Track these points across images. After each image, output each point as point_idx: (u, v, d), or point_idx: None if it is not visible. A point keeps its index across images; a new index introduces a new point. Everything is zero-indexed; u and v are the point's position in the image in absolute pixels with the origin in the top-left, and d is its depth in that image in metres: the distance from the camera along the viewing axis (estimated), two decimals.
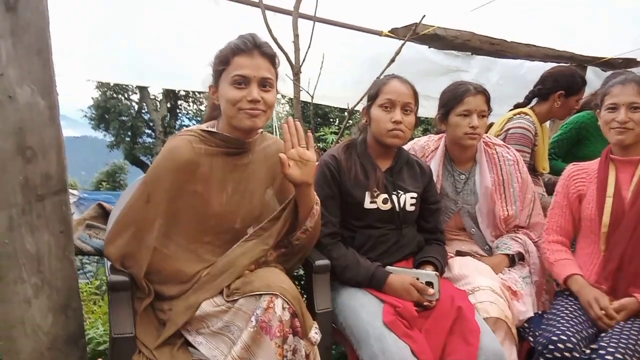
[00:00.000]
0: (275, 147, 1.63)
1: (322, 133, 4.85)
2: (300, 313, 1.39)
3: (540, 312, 1.86)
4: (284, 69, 2.52)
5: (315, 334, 1.44)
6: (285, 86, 2.82)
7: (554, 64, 3.19)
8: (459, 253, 2.00)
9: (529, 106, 2.69)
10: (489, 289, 1.70)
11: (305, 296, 1.73)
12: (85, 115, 16.76)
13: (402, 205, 1.81)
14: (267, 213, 1.61)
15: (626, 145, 1.78)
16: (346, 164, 1.80)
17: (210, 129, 1.55)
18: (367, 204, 1.77)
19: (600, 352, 1.48)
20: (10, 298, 1.42)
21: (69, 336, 1.52)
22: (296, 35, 2.35)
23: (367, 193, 1.78)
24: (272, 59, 1.51)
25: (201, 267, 1.52)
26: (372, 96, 1.83)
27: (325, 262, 1.70)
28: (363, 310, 1.59)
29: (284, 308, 1.35)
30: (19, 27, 1.40)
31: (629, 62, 4.11)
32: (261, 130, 1.63)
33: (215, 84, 1.53)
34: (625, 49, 3.98)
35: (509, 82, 3.91)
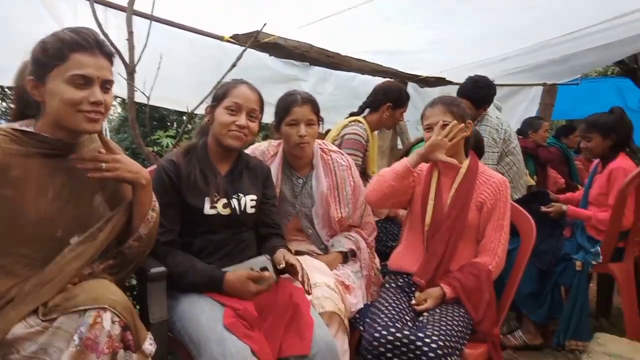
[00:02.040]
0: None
1: (158, 137, 4.62)
2: (133, 325, 1.30)
3: (369, 303, 2.03)
4: (117, 68, 2.37)
5: (150, 345, 1.37)
6: (119, 87, 2.65)
7: (382, 79, 3.55)
8: (298, 253, 2.08)
9: (362, 115, 2.95)
10: (324, 285, 1.81)
11: (138, 306, 1.64)
12: None
13: (242, 208, 1.80)
14: (94, 220, 1.48)
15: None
16: (185, 170, 1.75)
17: (25, 128, 1.38)
18: (207, 210, 1.73)
19: (421, 332, 1.66)
20: None
21: None
22: (130, 33, 2.21)
23: (206, 199, 1.74)
24: (111, 58, 1.42)
25: (13, 283, 1.33)
26: (219, 97, 1.81)
27: (161, 269, 1.62)
28: (203, 315, 1.56)
29: (113, 322, 1.24)
30: None
31: (440, 81, 4.76)
32: None
33: (39, 78, 1.34)
34: (436, 70, 4.60)
35: (343, 92, 4.20)
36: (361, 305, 1.98)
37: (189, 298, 1.66)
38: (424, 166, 2.12)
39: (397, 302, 1.90)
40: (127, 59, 2.22)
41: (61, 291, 1.32)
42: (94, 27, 2.12)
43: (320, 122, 2.12)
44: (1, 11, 2.20)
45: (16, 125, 1.38)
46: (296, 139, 2.02)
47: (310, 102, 2.06)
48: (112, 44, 2.05)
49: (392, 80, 3.47)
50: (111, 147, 1.46)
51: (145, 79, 2.28)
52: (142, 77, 2.28)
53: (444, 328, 1.69)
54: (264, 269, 1.69)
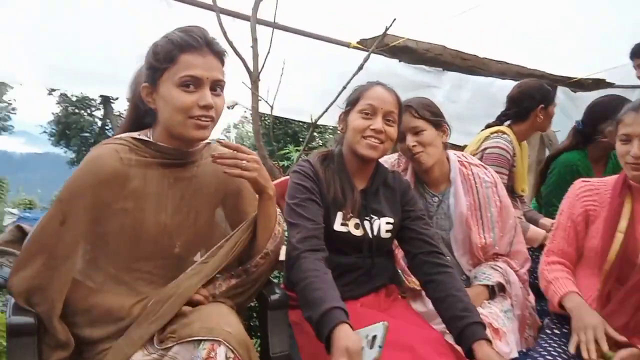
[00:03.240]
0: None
1: (287, 151, 4.66)
2: None
3: (524, 351, 1.68)
4: (242, 77, 2.37)
5: None
6: (244, 98, 2.62)
7: None
8: None
9: (506, 124, 2.56)
10: None
11: (259, 335, 1.50)
12: (45, 131, 16.24)
13: (375, 232, 1.60)
14: (217, 237, 1.38)
15: None
16: (324, 176, 1.60)
17: (143, 137, 1.31)
18: (337, 226, 1.56)
19: None
20: None
21: None
22: (254, 39, 2.16)
23: (339, 213, 1.57)
24: (222, 57, 1.29)
25: (134, 301, 1.27)
26: (352, 102, 1.64)
27: (282, 295, 1.47)
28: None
29: (227, 358, 1.14)
30: None
31: (599, 83, 4.13)
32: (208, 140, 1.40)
33: (151, 84, 1.27)
34: (595, 69, 4.00)
35: (480, 99, 3.84)
36: (515, 355, 1.62)
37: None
38: (606, 183, 1.70)
39: (563, 355, 1.51)
40: (251, 68, 2.15)
41: (179, 310, 1.24)
42: (219, 36, 2.12)
43: (446, 130, 1.85)
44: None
45: (135, 134, 1.33)
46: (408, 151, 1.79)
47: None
48: (236, 52, 2.03)
49: (524, 81, 3.03)
50: (244, 149, 1.35)
51: (269, 89, 2.21)
52: (267, 87, 2.22)
53: None
54: (374, 338, 1.24)
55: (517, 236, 1.92)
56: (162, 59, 1.23)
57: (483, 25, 2.89)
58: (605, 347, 1.39)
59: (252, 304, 1.70)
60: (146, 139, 1.31)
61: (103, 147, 1.29)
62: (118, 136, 1.33)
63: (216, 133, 1.58)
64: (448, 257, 1.84)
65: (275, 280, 1.63)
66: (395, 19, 2.41)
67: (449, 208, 1.86)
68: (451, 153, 1.91)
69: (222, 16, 2.22)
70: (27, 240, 1.25)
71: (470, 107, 3.80)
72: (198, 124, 1.24)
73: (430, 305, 1.63)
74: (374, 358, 1.19)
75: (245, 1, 2.30)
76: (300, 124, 12.93)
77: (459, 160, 1.89)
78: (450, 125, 1.88)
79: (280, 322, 1.46)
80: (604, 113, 2.40)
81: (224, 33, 2.08)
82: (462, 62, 3.40)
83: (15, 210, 4.67)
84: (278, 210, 1.44)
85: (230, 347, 1.14)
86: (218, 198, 1.42)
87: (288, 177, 1.73)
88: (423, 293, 1.71)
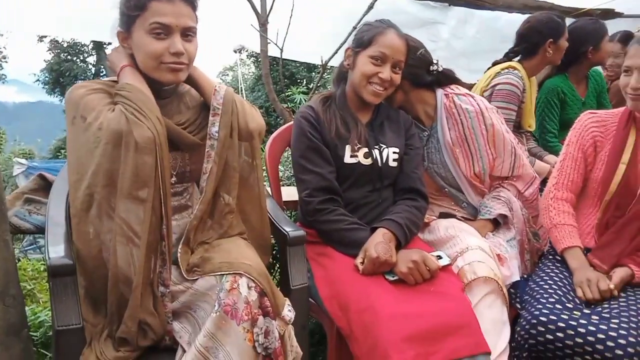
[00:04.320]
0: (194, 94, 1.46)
1: (290, 92, 4.62)
2: (270, 291, 1.26)
3: (525, 276, 1.76)
4: (250, 19, 2.32)
5: (289, 311, 1.32)
6: (251, 40, 2.59)
7: None
8: (443, 215, 1.89)
9: (516, 59, 2.53)
10: (478, 249, 1.59)
11: (278, 269, 1.58)
12: (38, 80, 15.90)
13: (384, 160, 1.68)
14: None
15: None
16: (325, 116, 1.67)
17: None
18: (347, 159, 1.64)
19: (604, 324, 1.34)
20: None
21: (9, 327, 1.33)
22: None
23: (347, 147, 1.65)
24: (193, 3, 1.32)
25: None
26: (364, 43, 1.65)
27: (301, 233, 1.56)
28: (351, 280, 1.47)
29: (249, 287, 1.22)
30: None
31: (608, 13, 4.02)
32: None
33: (126, 30, 1.31)
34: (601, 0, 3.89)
35: (486, 35, 3.78)
36: (517, 278, 1.71)
37: (335, 260, 1.56)
38: (613, 115, 1.72)
39: (563, 280, 1.60)
40: (259, 10, 2.11)
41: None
42: None
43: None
44: None
45: (114, 77, 1.35)
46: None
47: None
48: None
49: (533, 15, 2.92)
50: None
51: (278, 31, 2.18)
52: (274, 30, 2.18)
53: (634, 321, 1.36)
54: (439, 257, 1.55)
55: (518, 159, 1.92)
56: (133, 7, 1.27)
57: None
58: (610, 289, 1.49)
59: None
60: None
61: (75, 87, 1.30)
62: (94, 80, 1.38)
63: (211, 76, 1.54)
64: (445, 189, 1.90)
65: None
66: None
67: (437, 141, 1.88)
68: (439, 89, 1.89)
69: None
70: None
71: (476, 43, 3.74)
72: (170, 68, 1.29)
73: (441, 233, 1.72)
74: (449, 261, 1.55)
75: None
76: (297, 65, 12.68)
77: (444, 94, 1.88)
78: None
79: (300, 256, 1.56)
80: (583, 37, 2.57)
81: None
82: None
83: (23, 160, 4.70)
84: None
85: (251, 277, 1.23)
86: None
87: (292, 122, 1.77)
88: (432, 223, 1.79)
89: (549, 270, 1.66)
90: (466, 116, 1.84)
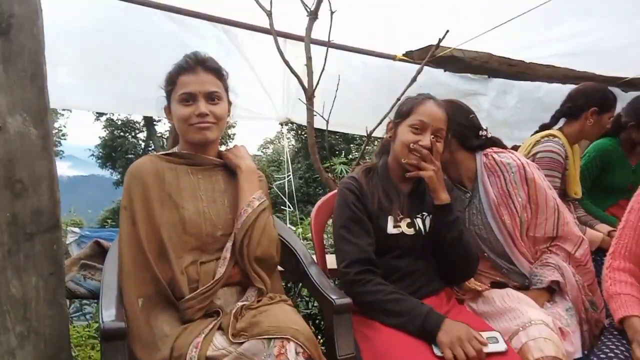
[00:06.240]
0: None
1: (332, 163, 4.71)
2: (317, 357, 1.25)
3: (586, 352, 1.64)
4: (298, 93, 2.45)
5: None
6: (296, 113, 2.70)
7: (574, 86, 3.06)
8: (495, 285, 1.81)
9: (556, 127, 2.52)
10: (542, 323, 1.49)
11: (321, 339, 1.54)
12: (93, 154, 16.92)
13: (427, 228, 1.67)
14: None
15: None
16: (367, 187, 1.68)
17: (169, 151, 1.58)
18: (390, 229, 1.63)
19: None
20: None
21: None
22: (309, 58, 2.25)
23: (389, 217, 1.64)
24: (216, 72, 1.53)
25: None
26: (403, 113, 1.69)
27: (347, 300, 1.52)
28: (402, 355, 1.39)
29: (297, 353, 1.22)
30: (12, 52, 1.29)
31: None
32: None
33: (167, 105, 1.56)
34: None
35: (527, 105, 3.81)
36: (579, 355, 1.60)
37: (380, 332, 1.50)
38: None
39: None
40: (306, 84, 2.23)
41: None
42: (276, 56, 2.22)
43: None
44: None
45: (162, 152, 1.57)
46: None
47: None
48: (292, 70, 2.11)
49: (587, 83, 2.95)
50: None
51: (324, 104, 2.28)
52: (320, 102, 2.28)
53: None
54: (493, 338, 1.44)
55: (562, 217, 1.84)
56: (167, 83, 1.52)
57: (529, 30, 2.85)
58: None
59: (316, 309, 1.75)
60: (171, 151, 1.56)
61: (138, 159, 1.51)
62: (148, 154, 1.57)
63: (252, 149, 1.65)
64: (485, 254, 1.85)
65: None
66: (448, 31, 2.43)
67: (480, 202, 1.85)
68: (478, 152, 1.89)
69: (279, 38, 2.31)
70: (119, 254, 1.38)
71: (517, 113, 3.77)
72: (198, 127, 1.48)
73: (497, 304, 1.64)
74: (505, 348, 1.40)
75: (298, 24, 2.40)
76: (337, 136, 13.03)
77: (483, 154, 1.88)
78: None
79: (346, 325, 1.51)
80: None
81: (281, 53, 2.17)
82: (508, 69, 3.36)
83: (76, 229, 4.98)
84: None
85: (299, 342, 1.22)
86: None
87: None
88: (485, 293, 1.72)
89: (612, 346, 1.54)
90: (507, 170, 1.82)
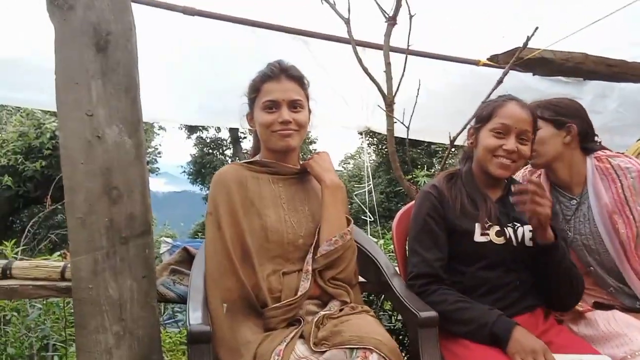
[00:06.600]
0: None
1: (414, 176, 4.62)
2: None
3: None
4: (377, 100, 2.43)
5: None
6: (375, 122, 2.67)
7: None
8: (598, 305, 1.64)
9: None
10: None
11: (405, 356, 1.48)
12: (184, 171, 18.02)
13: (519, 239, 1.54)
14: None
15: None
16: (450, 193, 1.60)
17: (251, 159, 1.62)
18: (478, 237, 1.53)
19: None
20: (92, 348, 1.33)
21: None
22: (388, 64, 2.22)
23: (476, 224, 1.54)
24: (299, 80, 1.56)
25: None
26: (484, 118, 1.61)
27: (433, 314, 1.45)
28: None
29: None
30: (109, 67, 1.39)
31: None
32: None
33: (250, 112, 1.61)
34: None
35: (630, 108, 3.51)
36: None
37: (473, 352, 1.41)
38: None
39: None
40: (385, 91, 2.21)
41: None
42: (353, 65, 2.22)
43: (572, 130, 1.71)
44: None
45: (245, 160, 1.62)
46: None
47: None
48: (371, 77, 2.10)
49: None
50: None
51: (404, 111, 2.23)
52: (400, 110, 2.25)
53: None
54: None
55: None
56: (251, 91, 1.57)
57: (631, 25, 2.61)
58: None
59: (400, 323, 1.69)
60: (253, 159, 1.61)
61: (222, 167, 1.58)
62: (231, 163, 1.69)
63: (333, 165, 1.65)
64: (591, 268, 1.67)
65: None
66: (537, 28, 2.28)
67: (589, 209, 1.68)
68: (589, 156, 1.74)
69: (358, 47, 2.32)
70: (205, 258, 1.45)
71: (618, 118, 3.47)
72: (280, 134, 1.51)
73: (601, 328, 1.48)
74: None
75: (375, 31, 2.39)
76: (419, 150, 12.80)
77: (596, 157, 1.72)
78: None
79: (432, 340, 1.45)
80: None
81: (360, 61, 2.17)
82: (607, 70, 3.09)
83: (169, 240, 5.34)
84: None
85: (381, 354, 1.19)
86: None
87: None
88: (588, 314, 1.56)
89: None
90: (626, 175, 1.66)
